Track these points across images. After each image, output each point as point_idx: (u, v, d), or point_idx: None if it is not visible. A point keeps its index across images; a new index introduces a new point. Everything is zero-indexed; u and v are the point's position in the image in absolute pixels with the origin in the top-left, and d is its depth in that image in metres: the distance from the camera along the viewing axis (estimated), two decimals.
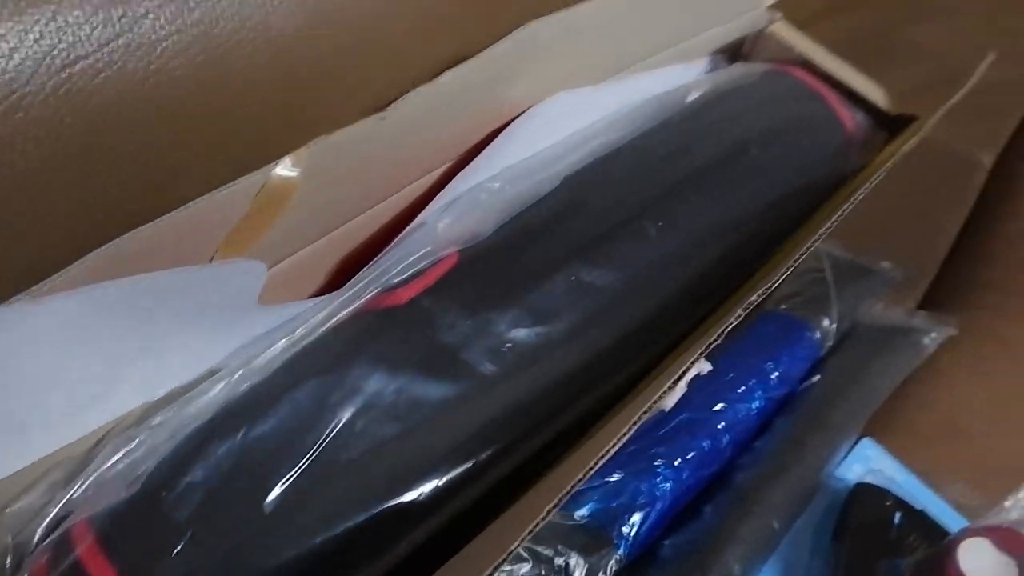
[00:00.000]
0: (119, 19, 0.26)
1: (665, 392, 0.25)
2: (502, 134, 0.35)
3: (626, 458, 0.35)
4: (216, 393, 0.28)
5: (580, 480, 0.22)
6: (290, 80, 0.31)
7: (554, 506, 0.21)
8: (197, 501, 0.25)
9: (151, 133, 0.28)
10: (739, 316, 0.27)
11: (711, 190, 0.36)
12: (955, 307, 0.50)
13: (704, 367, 0.26)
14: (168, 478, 0.25)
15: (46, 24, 0.26)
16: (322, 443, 0.26)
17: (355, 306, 0.30)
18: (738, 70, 0.43)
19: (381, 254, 0.32)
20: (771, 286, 0.29)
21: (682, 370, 0.25)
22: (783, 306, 0.45)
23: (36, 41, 0.26)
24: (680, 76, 0.43)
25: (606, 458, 0.23)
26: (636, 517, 0.34)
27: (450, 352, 0.29)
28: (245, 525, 0.25)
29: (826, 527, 0.38)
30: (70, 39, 0.26)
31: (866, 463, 0.40)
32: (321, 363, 0.29)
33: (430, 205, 0.33)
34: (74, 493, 0.25)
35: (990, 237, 0.55)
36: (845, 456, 0.40)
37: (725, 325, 0.26)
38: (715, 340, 0.26)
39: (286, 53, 0.30)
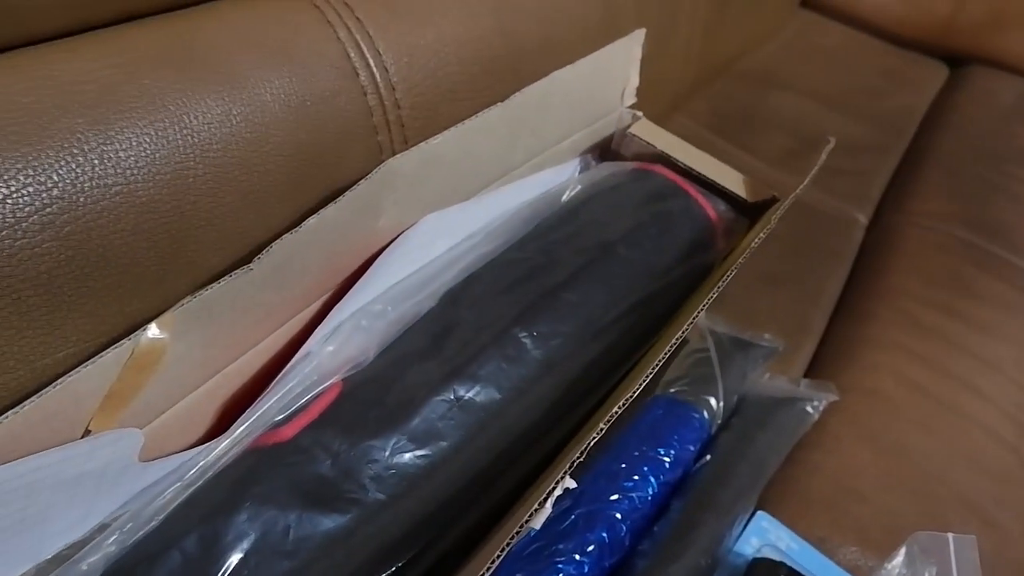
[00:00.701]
0: None
1: (532, 515, 0.26)
2: (378, 259, 0.37)
3: (527, 557, 0.36)
4: (107, 547, 0.29)
5: None
6: (157, 237, 0.32)
7: None
8: None
9: (25, 303, 0.29)
10: (601, 431, 0.29)
11: (584, 292, 0.38)
12: (840, 367, 0.53)
13: (569, 484, 0.28)
14: None
15: None
16: None
17: (240, 447, 0.31)
18: (605, 170, 0.46)
19: (266, 391, 0.33)
20: (643, 381, 0.31)
21: (545, 494, 0.26)
22: (672, 390, 0.47)
23: None
24: (551, 179, 0.46)
25: None
26: None
27: (335, 484, 0.30)
28: None
29: None
30: None
31: (762, 536, 0.42)
32: (208, 508, 0.30)
33: (313, 335, 0.35)
34: None
35: (868, 294, 0.59)
36: (743, 530, 0.42)
37: (587, 442, 0.28)
38: (578, 458, 0.28)
39: (150, 213, 0.32)
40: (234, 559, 0.28)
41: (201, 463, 0.31)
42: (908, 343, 0.55)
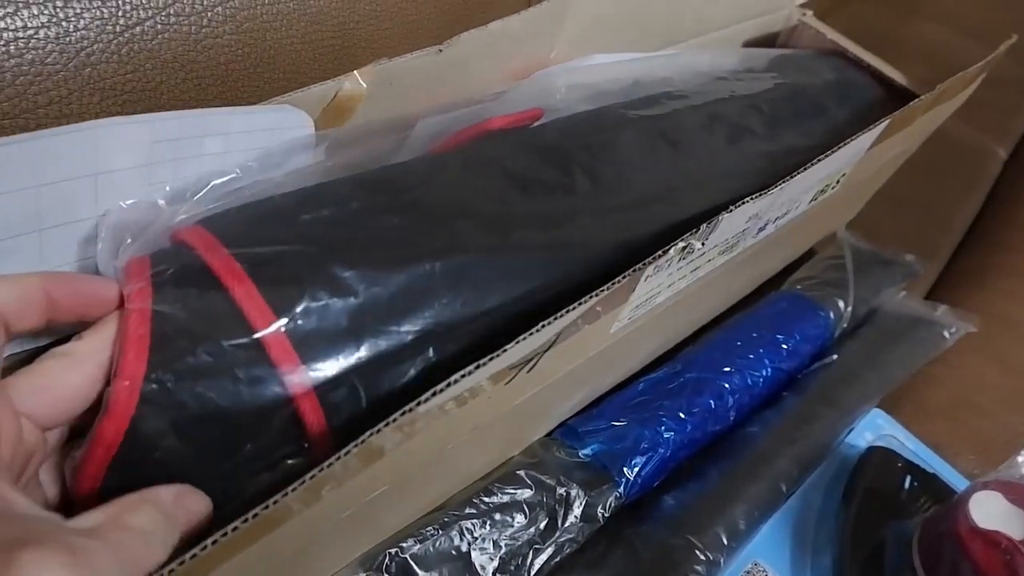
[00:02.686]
0: None
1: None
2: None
3: (633, 407, 0.37)
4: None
5: None
6: (321, 50, 0.33)
7: None
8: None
9: (201, 89, 0.31)
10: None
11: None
12: (967, 292, 0.51)
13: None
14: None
15: None
16: None
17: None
18: (790, 51, 0.45)
19: None
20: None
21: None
22: (798, 287, 0.46)
23: (99, 7, 0.29)
24: (715, 61, 0.45)
25: None
26: (638, 460, 0.35)
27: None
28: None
29: (836, 489, 0.38)
30: (128, 5, 0.29)
31: (877, 431, 0.41)
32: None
33: None
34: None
35: (1005, 224, 0.56)
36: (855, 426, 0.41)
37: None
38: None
39: (319, 23, 0.33)
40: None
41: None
42: None
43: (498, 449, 0.33)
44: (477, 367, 0.21)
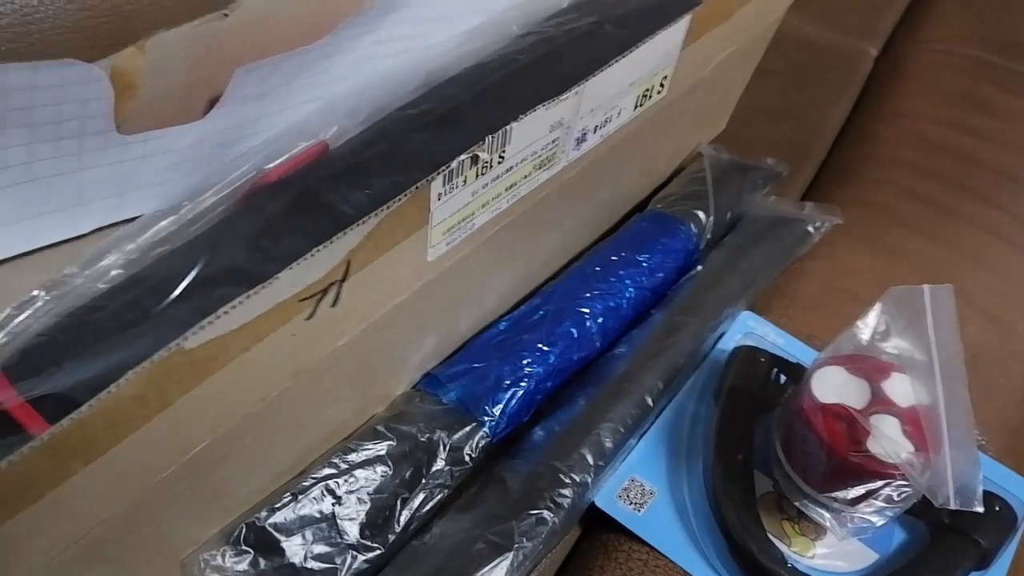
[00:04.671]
0: None
1: None
2: None
3: (493, 347, 0.37)
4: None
5: None
6: (96, 34, 0.32)
7: None
8: None
9: None
10: None
11: None
12: (838, 184, 0.51)
13: None
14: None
15: None
16: None
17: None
18: None
19: None
20: None
21: None
22: (659, 206, 0.46)
23: None
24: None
25: None
26: (501, 397, 0.35)
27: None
28: None
29: (707, 393, 0.39)
30: None
31: (746, 331, 0.41)
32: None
33: None
34: None
35: (875, 117, 0.56)
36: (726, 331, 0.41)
37: None
38: None
39: (89, 9, 0.32)
40: None
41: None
42: (916, 159, 0.52)
43: (352, 405, 0.33)
44: (248, 296, 0.22)
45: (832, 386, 0.33)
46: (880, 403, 0.32)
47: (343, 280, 0.25)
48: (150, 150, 0.26)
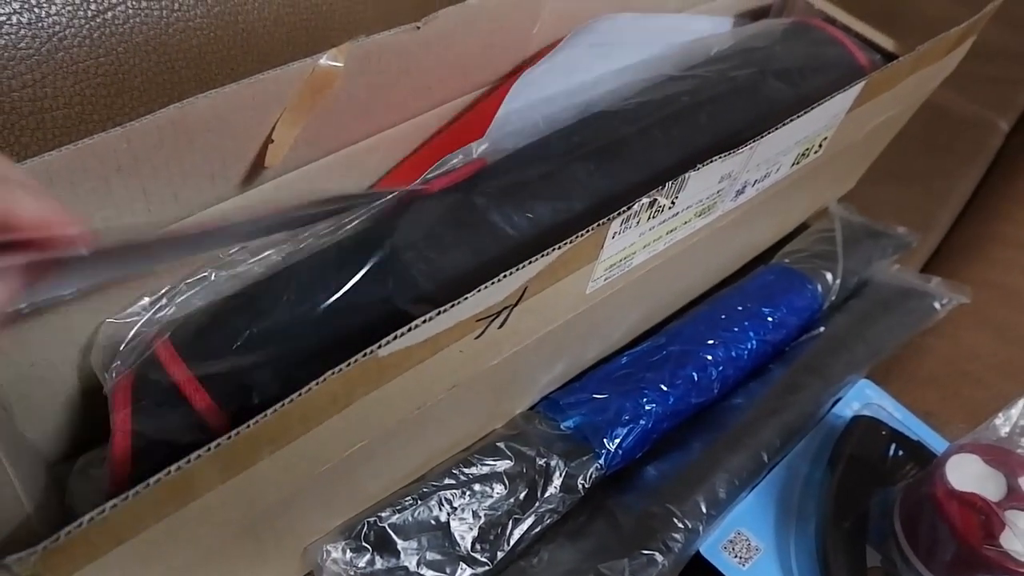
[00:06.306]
0: None
1: None
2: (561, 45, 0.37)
3: (615, 380, 0.37)
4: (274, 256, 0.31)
5: None
6: (295, 32, 0.34)
7: None
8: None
9: (174, 72, 0.32)
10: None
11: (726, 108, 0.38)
12: (963, 261, 0.50)
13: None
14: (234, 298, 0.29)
15: None
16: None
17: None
18: (763, 23, 0.45)
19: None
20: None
21: None
22: (786, 260, 0.46)
23: None
24: (706, 27, 0.45)
25: None
26: (619, 432, 0.35)
27: (479, 212, 0.31)
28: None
29: (821, 459, 0.38)
30: None
31: (864, 401, 0.41)
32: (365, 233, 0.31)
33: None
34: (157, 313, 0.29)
35: (1004, 196, 0.55)
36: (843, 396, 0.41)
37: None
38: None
39: (292, 4, 0.34)
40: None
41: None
42: None
43: (479, 419, 0.34)
44: (439, 313, 0.22)
45: (968, 475, 0.32)
46: (1017, 499, 0.31)
47: (515, 305, 0.26)
48: None
